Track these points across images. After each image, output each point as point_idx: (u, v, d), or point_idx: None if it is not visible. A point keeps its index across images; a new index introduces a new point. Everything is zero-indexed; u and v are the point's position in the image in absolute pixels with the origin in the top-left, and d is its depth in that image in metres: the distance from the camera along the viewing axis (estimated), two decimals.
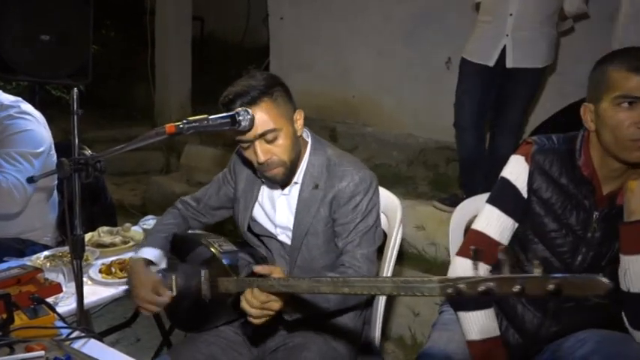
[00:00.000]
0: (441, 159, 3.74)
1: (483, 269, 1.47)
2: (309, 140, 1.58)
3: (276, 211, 1.59)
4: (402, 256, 2.92)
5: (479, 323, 1.44)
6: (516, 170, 1.44)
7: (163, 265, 1.63)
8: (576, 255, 1.39)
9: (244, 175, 1.65)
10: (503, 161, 1.55)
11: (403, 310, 2.71)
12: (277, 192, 1.59)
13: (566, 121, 2.93)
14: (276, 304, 1.24)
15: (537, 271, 0.78)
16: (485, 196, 1.54)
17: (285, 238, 1.59)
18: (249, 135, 1.41)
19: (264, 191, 1.62)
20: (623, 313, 1.34)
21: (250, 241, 1.67)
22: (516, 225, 1.46)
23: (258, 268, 1.23)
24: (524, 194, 1.43)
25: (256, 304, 1.22)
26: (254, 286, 1.22)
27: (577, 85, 3.21)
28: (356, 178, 1.50)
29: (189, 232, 1.79)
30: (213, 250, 1.46)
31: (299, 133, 1.52)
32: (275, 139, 1.43)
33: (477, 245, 1.45)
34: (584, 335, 1.42)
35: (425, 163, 3.78)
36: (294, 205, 1.55)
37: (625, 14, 2.84)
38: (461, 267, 1.48)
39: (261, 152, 1.43)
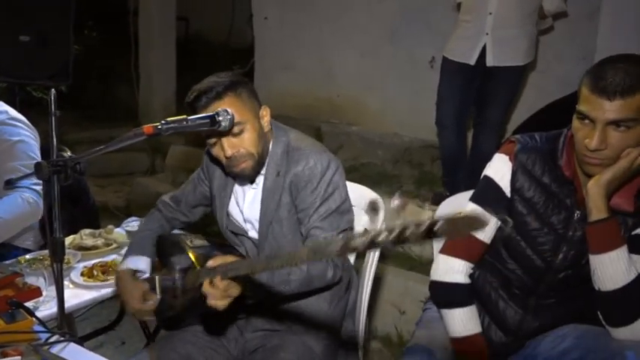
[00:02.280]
0: (426, 157, 3.75)
1: (466, 267, 1.48)
2: (274, 131, 1.57)
3: (245, 204, 1.59)
4: (387, 255, 2.93)
5: (462, 320, 1.44)
6: (500, 169, 1.45)
7: (147, 274, 1.62)
8: (558, 253, 1.41)
9: (218, 172, 1.65)
10: (486, 159, 1.56)
11: (389, 309, 2.72)
12: (247, 186, 1.60)
13: (548, 119, 2.97)
14: (235, 290, 1.24)
15: (427, 214, 0.76)
16: (468, 193, 1.55)
17: (254, 233, 1.59)
18: (214, 132, 1.41)
19: (237, 188, 1.63)
20: (598, 311, 1.36)
21: (230, 240, 1.67)
22: (499, 223, 1.46)
23: (210, 262, 1.24)
24: (508, 193, 1.44)
25: (219, 294, 1.23)
26: (210, 276, 1.22)
27: (558, 83, 3.27)
28: (310, 162, 1.49)
29: (171, 232, 1.78)
30: (183, 245, 1.49)
31: (265, 129, 1.52)
32: (241, 132, 1.44)
33: (459, 243, 1.47)
34: (565, 331, 1.43)
35: (410, 162, 3.80)
36: (259, 197, 1.56)
37: (605, 13, 2.88)
38: (444, 264, 1.49)
39: (228, 146, 1.43)
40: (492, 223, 1.46)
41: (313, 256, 0.93)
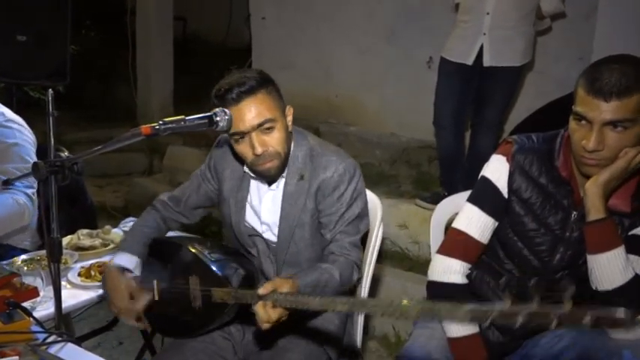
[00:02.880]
0: (424, 158, 3.76)
1: (463, 267, 1.48)
2: (293, 132, 1.57)
3: (262, 207, 1.57)
4: (385, 255, 2.93)
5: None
6: (497, 170, 1.45)
7: (138, 272, 1.59)
8: (554, 254, 1.41)
9: (228, 172, 1.62)
10: (483, 159, 1.57)
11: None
12: (264, 188, 1.58)
13: (545, 120, 2.98)
14: (285, 316, 1.25)
15: (567, 303, 0.81)
16: (466, 194, 1.55)
17: (271, 235, 1.58)
18: (247, 126, 1.40)
19: (252, 188, 1.60)
20: None
21: (243, 240, 1.63)
22: (496, 224, 1.47)
23: (262, 291, 1.22)
24: (505, 194, 1.44)
25: (274, 319, 1.22)
26: (255, 301, 1.22)
27: (556, 84, 3.28)
28: (340, 168, 1.50)
29: (172, 234, 1.76)
30: (202, 257, 1.45)
31: (290, 129, 1.52)
32: (271, 129, 1.43)
33: (457, 244, 1.47)
34: (562, 331, 1.43)
35: (408, 162, 3.80)
36: (279, 200, 1.54)
37: (602, 14, 2.89)
38: (442, 265, 1.49)
39: (259, 143, 1.41)
40: (490, 224, 1.46)
41: (424, 314, 0.95)
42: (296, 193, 1.52)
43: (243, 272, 1.46)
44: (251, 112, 1.40)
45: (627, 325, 0.78)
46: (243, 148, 1.45)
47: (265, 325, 1.23)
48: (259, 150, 1.42)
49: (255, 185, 1.60)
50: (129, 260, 1.57)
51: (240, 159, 1.56)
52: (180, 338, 1.56)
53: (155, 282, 1.53)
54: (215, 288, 1.37)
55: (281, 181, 1.54)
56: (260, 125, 1.41)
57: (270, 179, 1.54)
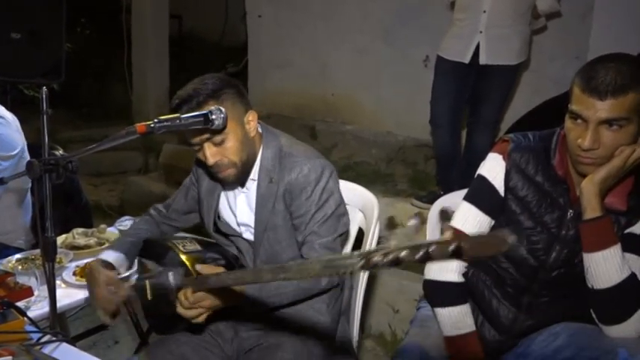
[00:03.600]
0: (420, 156, 3.76)
1: (459, 265, 1.48)
2: (263, 134, 1.56)
3: (237, 209, 1.59)
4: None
5: (455, 319, 1.45)
6: (494, 168, 1.45)
7: (122, 270, 1.60)
8: (550, 252, 1.41)
9: (205, 175, 1.64)
10: (480, 158, 1.57)
11: (383, 307, 2.72)
12: (237, 190, 1.59)
13: (541, 118, 2.99)
14: (207, 301, 1.29)
15: (447, 234, 0.76)
16: (462, 192, 1.55)
17: (249, 235, 1.59)
18: (196, 138, 1.42)
19: (226, 190, 1.62)
20: (591, 309, 1.37)
21: (220, 241, 1.66)
22: (493, 222, 1.47)
23: (199, 267, 1.28)
24: (502, 193, 1.44)
25: (187, 304, 1.29)
26: (202, 285, 1.25)
27: (551, 83, 3.29)
28: (304, 169, 1.48)
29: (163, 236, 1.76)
30: (176, 251, 1.46)
31: (252, 134, 1.51)
32: (222, 141, 1.43)
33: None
34: (558, 329, 1.44)
35: (404, 161, 3.80)
36: (253, 202, 1.55)
37: (598, 13, 2.90)
38: (437, 263, 1.49)
39: (210, 155, 1.43)
40: (486, 222, 1.46)
41: (325, 270, 0.93)
42: (266, 196, 1.52)
43: (223, 262, 1.48)
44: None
45: (504, 247, 0.71)
46: (200, 156, 1.47)
47: (188, 313, 1.29)
48: (211, 161, 1.44)
49: (228, 189, 1.61)
50: (112, 256, 1.59)
51: None
52: (171, 334, 1.56)
53: (147, 282, 1.51)
54: (184, 279, 1.37)
55: (252, 184, 1.55)
56: (209, 139, 1.42)
57: (235, 184, 1.55)
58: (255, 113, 1.51)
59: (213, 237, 1.66)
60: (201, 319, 1.33)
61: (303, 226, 1.49)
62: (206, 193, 1.64)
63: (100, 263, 1.55)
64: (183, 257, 1.45)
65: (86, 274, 1.58)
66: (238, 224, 1.60)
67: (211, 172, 1.52)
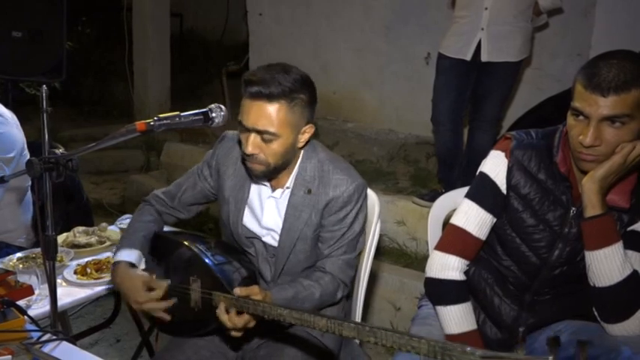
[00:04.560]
0: (422, 154, 3.75)
1: (461, 263, 1.47)
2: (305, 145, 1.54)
3: (264, 212, 1.55)
4: (382, 251, 2.93)
5: (457, 317, 1.44)
6: (496, 166, 1.44)
7: (142, 266, 1.57)
8: (553, 250, 1.40)
9: (230, 170, 1.59)
10: (481, 155, 1.56)
11: (385, 305, 2.72)
12: (266, 193, 1.56)
13: (543, 116, 2.98)
14: (253, 323, 1.32)
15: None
16: (464, 190, 1.55)
17: (271, 239, 1.56)
18: (249, 123, 1.39)
19: (253, 191, 1.58)
20: (593, 307, 1.36)
21: (240, 241, 1.61)
22: (495, 220, 1.46)
23: (237, 291, 1.30)
24: (504, 190, 1.43)
25: (240, 326, 1.31)
26: (250, 311, 1.27)
27: (553, 80, 3.28)
28: (350, 189, 1.49)
29: (169, 230, 1.74)
30: (204, 258, 1.43)
31: (299, 145, 1.48)
32: (270, 141, 1.40)
33: (455, 240, 1.47)
34: (560, 327, 1.44)
35: (405, 159, 3.80)
36: (282, 209, 1.53)
37: (601, 9, 2.89)
38: (439, 261, 1.48)
39: (251, 144, 1.40)
40: (488, 220, 1.46)
41: (434, 354, 0.95)
42: (301, 206, 1.51)
43: (245, 272, 1.46)
44: (257, 115, 1.38)
45: None
46: (242, 137, 1.44)
47: (233, 333, 1.32)
48: (249, 150, 1.41)
49: (256, 188, 1.58)
50: (131, 255, 1.54)
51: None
52: (178, 337, 1.55)
53: (165, 285, 1.50)
54: (218, 293, 1.36)
55: (286, 191, 1.53)
56: (259, 132, 1.39)
57: (259, 178, 1.53)
58: (313, 127, 1.49)
59: (238, 238, 1.60)
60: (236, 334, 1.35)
61: (332, 241, 1.51)
62: (232, 192, 1.59)
63: (125, 265, 1.51)
64: (218, 275, 1.41)
65: (114, 279, 1.53)
66: (262, 227, 1.57)
67: (242, 157, 1.49)
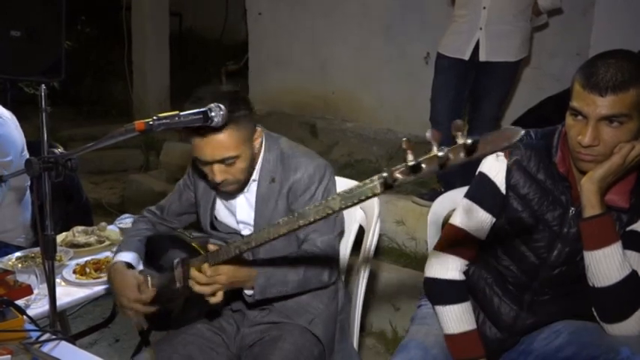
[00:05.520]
0: (421, 154, 3.73)
1: (460, 263, 1.47)
2: (263, 139, 1.58)
3: (237, 208, 1.61)
4: (382, 251, 2.93)
5: (456, 317, 1.44)
6: (495, 166, 1.44)
7: (140, 267, 1.62)
8: (552, 250, 1.40)
9: (201, 177, 1.64)
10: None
11: (384, 305, 2.72)
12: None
13: (542, 115, 2.98)
14: (222, 277, 1.32)
15: (460, 139, 0.82)
16: (463, 190, 1.55)
17: (248, 232, 1.60)
18: (208, 157, 1.43)
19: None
20: (592, 307, 1.36)
21: (217, 238, 1.65)
22: (494, 220, 1.46)
23: (212, 247, 1.32)
24: (503, 190, 1.43)
25: (203, 279, 1.31)
26: (222, 257, 1.29)
27: (552, 79, 3.28)
28: (310, 169, 1.53)
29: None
30: (183, 237, 1.50)
31: (256, 150, 1.54)
32: (232, 163, 1.46)
33: (455, 240, 1.47)
34: (559, 327, 1.44)
35: (404, 159, 3.79)
36: (252, 201, 1.58)
37: (600, 9, 2.89)
38: (439, 261, 1.48)
39: (218, 173, 1.45)
40: (488, 220, 1.46)
41: (346, 201, 0.95)
42: (267, 195, 1.56)
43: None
44: (212, 148, 1.42)
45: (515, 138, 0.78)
46: (205, 170, 1.49)
47: (203, 289, 1.32)
48: (218, 179, 1.46)
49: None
50: (130, 256, 1.60)
51: None
52: (172, 329, 1.58)
53: (148, 277, 1.53)
54: (192, 260, 1.39)
55: (253, 184, 1.58)
56: (221, 161, 1.44)
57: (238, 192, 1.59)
58: (261, 131, 1.54)
59: (215, 234, 1.67)
60: (218, 297, 1.36)
61: None
62: (202, 195, 1.66)
63: (122, 265, 1.56)
64: (193, 243, 1.47)
65: (109, 276, 1.58)
66: (238, 222, 1.63)
67: (213, 185, 1.54)
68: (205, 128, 1.36)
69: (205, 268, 1.32)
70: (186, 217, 1.78)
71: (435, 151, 0.82)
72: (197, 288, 1.34)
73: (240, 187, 1.54)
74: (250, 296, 1.45)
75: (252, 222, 1.59)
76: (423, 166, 0.82)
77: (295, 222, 1.04)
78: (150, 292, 1.49)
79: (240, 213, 1.61)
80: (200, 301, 1.42)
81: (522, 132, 0.78)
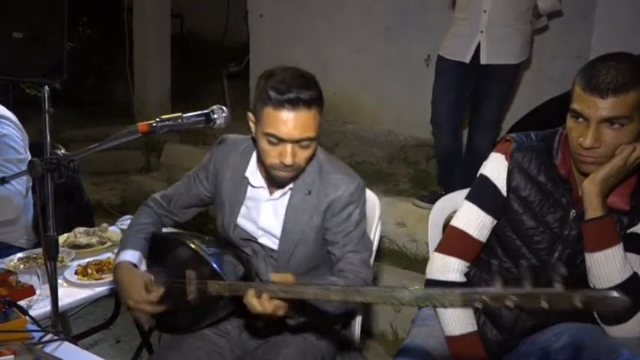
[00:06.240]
0: (422, 156, 3.76)
1: (461, 265, 1.48)
2: None
3: (261, 214, 1.54)
4: (383, 253, 2.93)
5: (457, 319, 1.44)
6: (496, 168, 1.45)
7: (143, 267, 1.58)
8: (553, 252, 1.41)
9: (229, 175, 1.57)
10: (481, 157, 1.56)
11: (385, 307, 2.72)
12: (264, 195, 1.54)
13: (543, 118, 2.98)
14: (282, 310, 1.25)
15: (558, 286, 0.80)
16: (464, 192, 1.55)
17: (267, 241, 1.56)
18: (288, 134, 1.34)
19: (249, 194, 1.57)
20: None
21: (232, 241, 1.62)
22: (495, 222, 1.46)
23: (275, 277, 1.23)
24: (504, 192, 1.44)
25: (260, 310, 1.23)
26: (247, 291, 1.23)
27: (553, 82, 3.28)
28: (351, 187, 1.49)
29: (167, 231, 1.76)
30: (199, 251, 1.44)
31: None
32: (307, 147, 1.39)
33: (455, 242, 1.47)
34: (560, 329, 1.44)
35: (405, 160, 3.80)
36: (280, 211, 1.52)
37: (601, 11, 2.89)
38: (440, 263, 1.49)
39: (291, 155, 1.37)
40: (489, 222, 1.46)
41: (416, 302, 0.97)
42: (301, 207, 1.49)
43: (242, 270, 1.47)
44: (299, 124, 1.34)
45: (620, 306, 0.76)
46: (271, 150, 1.39)
47: (265, 315, 1.25)
48: (290, 161, 1.37)
49: (253, 191, 1.56)
50: (134, 255, 1.54)
51: (243, 162, 1.55)
52: (177, 334, 1.55)
53: (155, 277, 1.52)
54: (211, 280, 1.37)
55: (287, 193, 1.52)
56: (300, 140, 1.37)
57: (279, 186, 1.51)
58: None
59: (230, 240, 1.60)
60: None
61: (341, 242, 1.50)
62: (229, 196, 1.57)
63: (128, 264, 1.51)
64: (205, 257, 1.43)
65: (115, 276, 1.53)
66: (259, 229, 1.56)
67: (270, 168, 1.43)
68: (296, 100, 1.32)
69: (266, 303, 1.23)
70: (192, 210, 1.70)
71: (544, 304, 0.82)
72: (261, 313, 1.26)
73: (295, 176, 1.47)
74: (293, 319, 1.43)
75: (274, 230, 1.53)
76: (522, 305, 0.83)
77: (352, 295, 1.03)
78: (157, 293, 1.46)
79: (263, 220, 1.54)
80: (211, 312, 1.42)
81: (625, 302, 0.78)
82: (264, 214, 1.54)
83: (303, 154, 1.40)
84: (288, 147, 1.36)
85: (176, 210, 1.68)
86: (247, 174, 1.54)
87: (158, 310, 1.47)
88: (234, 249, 1.58)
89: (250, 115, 1.44)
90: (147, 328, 1.53)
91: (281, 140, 1.36)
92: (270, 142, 1.38)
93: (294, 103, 1.33)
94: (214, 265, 1.41)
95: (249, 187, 1.56)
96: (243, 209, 1.57)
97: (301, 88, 1.34)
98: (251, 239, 1.58)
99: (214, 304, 1.43)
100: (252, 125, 1.45)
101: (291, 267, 1.54)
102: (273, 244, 1.55)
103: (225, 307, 1.45)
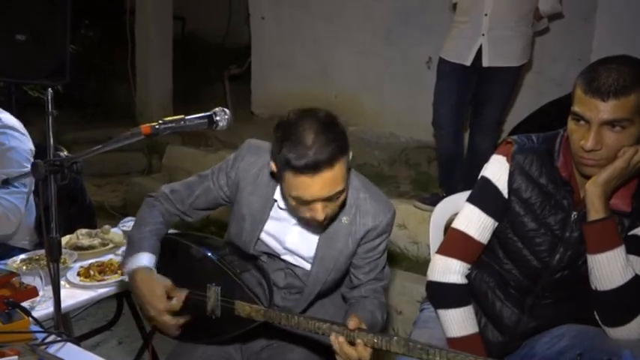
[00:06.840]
0: (423, 158, 3.76)
1: (463, 267, 1.48)
2: None
3: (287, 236, 1.50)
4: None
5: (458, 320, 1.45)
6: (498, 170, 1.45)
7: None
8: (554, 254, 1.41)
9: (250, 188, 1.50)
10: (482, 159, 1.56)
11: (386, 309, 2.72)
12: (291, 219, 1.49)
13: (544, 120, 2.99)
14: (366, 357, 1.22)
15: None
16: (465, 194, 1.55)
17: (291, 259, 1.53)
18: (314, 195, 1.27)
19: (274, 213, 1.51)
20: (594, 311, 1.37)
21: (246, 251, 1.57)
22: (496, 224, 1.47)
23: (351, 324, 1.22)
24: (505, 194, 1.44)
25: (367, 357, 1.21)
26: (337, 337, 1.23)
27: (554, 84, 3.29)
28: (388, 217, 1.48)
29: (174, 232, 1.73)
30: (223, 267, 1.41)
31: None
32: (338, 198, 1.32)
33: (456, 244, 1.48)
34: (561, 330, 1.44)
35: (407, 163, 3.80)
36: (309, 236, 1.48)
37: (602, 14, 2.90)
38: (441, 264, 1.49)
39: (322, 211, 1.30)
40: (490, 224, 1.46)
41: None
42: (335, 235, 1.45)
43: (265, 284, 1.44)
44: (325, 184, 1.26)
45: None
46: (300, 207, 1.32)
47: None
48: (321, 217, 1.31)
49: (279, 211, 1.50)
50: (151, 260, 1.45)
51: (271, 180, 1.48)
52: (188, 342, 1.51)
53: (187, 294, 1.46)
54: (242, 302, 1.34)
55: None
56: (329, 198, 1.30)
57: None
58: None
59: (249, 250, 1.55)
60: None
61: (366, 268, 1.50)
62: (252, 213, 1.50)
63: (146, 269, 1.42)
64: (234, 277, 1.39)
65: (132, 283, 1.44)
66: (283, 247, 1.52)
67: (301, 221, 1.41)
68: (315, 165, 1.22)
69: (363, 352, 1.20)
70: (205, 213, 1.64)
71: None
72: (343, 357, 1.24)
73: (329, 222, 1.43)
74: None
75: (301, 251, 1.49)
76: None
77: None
78: (180, 298, 1.39)
79: (290, 241, 1.50)
80: (236, 332, 1.39)
81: None
82: (291, 236, 1.50)
83: (335, 205, 1.35)
84: (319, 205, 1.30)
85: (190, 211, 1.60)
86: (276, 196, 1.48)
87: (179, 323, 1.41)
88: (253, 259, 1.54)
89: (272, 165, 1.36)
90: (173, 336, 1.47)
91: (306, 202, 1.30)
92: (299, 202, 1.32)
93: (314, 168, 1.24)
94: (246, 290, 1.36)
95: (276, 207, 1.50)
96: (266, 226, 1.51)
97: (321, 146, 1.24)
98: (273, 254, 1.54)
99: (241, 324, 1.38)
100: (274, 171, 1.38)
101: (320, 290, 1.53)
102: (296, 261, 1.53)
103: (255, 329, 1.39)
